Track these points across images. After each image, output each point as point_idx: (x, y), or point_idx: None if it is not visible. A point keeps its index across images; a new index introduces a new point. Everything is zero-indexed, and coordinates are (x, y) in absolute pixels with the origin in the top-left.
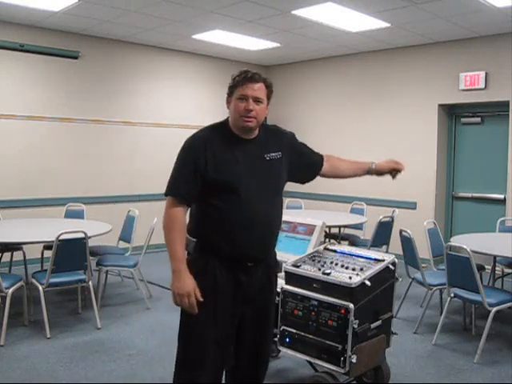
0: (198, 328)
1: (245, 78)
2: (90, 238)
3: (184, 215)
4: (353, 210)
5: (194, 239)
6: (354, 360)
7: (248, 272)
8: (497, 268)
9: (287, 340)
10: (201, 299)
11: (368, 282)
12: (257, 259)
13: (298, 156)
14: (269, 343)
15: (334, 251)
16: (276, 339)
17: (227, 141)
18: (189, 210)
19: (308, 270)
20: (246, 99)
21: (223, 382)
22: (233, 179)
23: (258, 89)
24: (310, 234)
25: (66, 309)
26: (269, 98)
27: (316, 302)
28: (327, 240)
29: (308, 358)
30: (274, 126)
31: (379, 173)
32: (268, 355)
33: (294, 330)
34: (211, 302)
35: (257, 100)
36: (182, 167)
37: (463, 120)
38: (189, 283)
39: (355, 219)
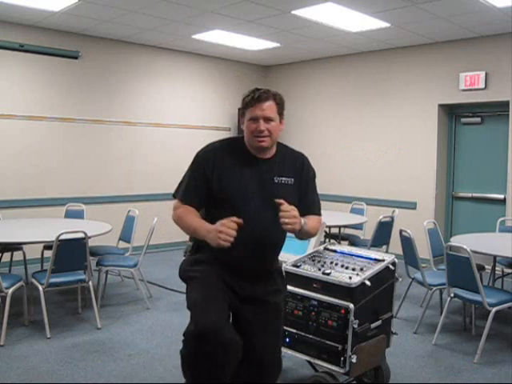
0: (201, 281)
1: (252, 98)
2: (90, 238)
3: (191, 208)
4: (353, 210)
5: (191, 243)
6: (354, 360)
7: (246, 277)
8: (497, 268)
9: (287, 340)
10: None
11: (368, 282)
12: (253, 272)
13: (300, 194)
14: (275, 356)
15: (334, 251)
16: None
17: (239, 156)
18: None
19: (308, 270)
20: (257, 120)
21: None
22: (233, 193)
23: (267, 108)
24: None
25: (65, 309)
26: (281, 113)
27: (316, 302)
28: (327, 240)
29: (308, 358)
30: (301, 153)
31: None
32: (274, 367)
33: (294, 330)
34: (209, 273)
35: (267, 119)
36: (191, 174)
37: (463, 120)
38: (211, 227)
39: (355, 219)
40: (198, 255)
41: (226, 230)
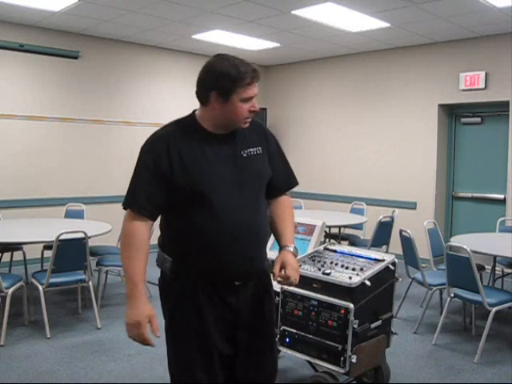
0: (188, 376)
1: (253, 77)
2: (90, 238)
3: (145, 230)
4: (353, 210)
5: (170, 258)
6: (354, 360)
7: (236, 292)
8: (497, 268)
9: (287, 340)
10: (158, 334)
11: (368, 282)
12: (245, 276)
13: (273, 167)
14: (268, 371)
15: (334, 251)
16: (276, 339)
17: (196, 138)
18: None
19: (308, 270)
20: (250, 99)
21: None
22: (204, 182)
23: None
24: (309, 233)
25: (65, 309)
26: None
27: (316, 302)
28: (327, 240)
29: (308, 358)
30: (257, 120)
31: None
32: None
33: (294, 330)
34: (197, 340)
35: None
36: (141, 173)
37: (463, 120)
38: (142, 311)
39: (355, 219)
40: (176, 287)
41: (136, 337)
